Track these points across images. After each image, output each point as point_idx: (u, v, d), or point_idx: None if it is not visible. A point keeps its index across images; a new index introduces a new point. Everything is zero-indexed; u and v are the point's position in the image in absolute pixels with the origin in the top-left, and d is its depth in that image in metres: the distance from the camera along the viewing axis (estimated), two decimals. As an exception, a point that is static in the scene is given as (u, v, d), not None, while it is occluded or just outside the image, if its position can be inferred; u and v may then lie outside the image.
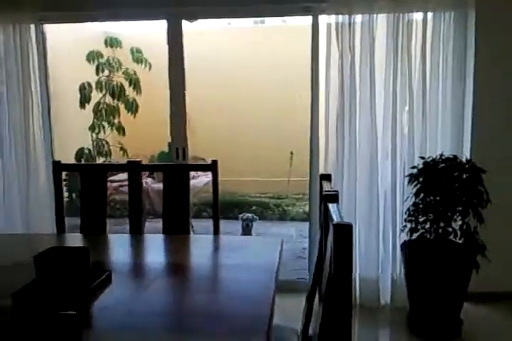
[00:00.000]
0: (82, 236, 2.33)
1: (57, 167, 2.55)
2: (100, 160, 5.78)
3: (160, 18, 3.47)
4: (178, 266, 1.88)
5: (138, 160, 2.54)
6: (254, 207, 5.97)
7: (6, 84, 3.47)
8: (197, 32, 5.83)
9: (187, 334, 1.33)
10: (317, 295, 1.90)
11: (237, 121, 6.48)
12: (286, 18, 5.89)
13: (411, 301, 3.05)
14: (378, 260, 3.28)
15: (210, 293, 1.66)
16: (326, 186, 1.85)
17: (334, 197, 1.58)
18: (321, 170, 3.40)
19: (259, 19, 6.16)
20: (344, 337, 1.30)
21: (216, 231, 2.40)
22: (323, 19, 3.27)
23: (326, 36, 3.22)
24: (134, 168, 2.51)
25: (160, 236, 2.37)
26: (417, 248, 2.96)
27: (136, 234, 2.38)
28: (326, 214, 1.63)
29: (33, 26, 3.46)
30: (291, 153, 6.56)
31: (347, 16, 3.16)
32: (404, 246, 3.04)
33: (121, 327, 1.35)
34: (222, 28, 6.18)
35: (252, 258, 1.92)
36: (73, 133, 5.65)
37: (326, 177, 2.00)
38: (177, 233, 2.38)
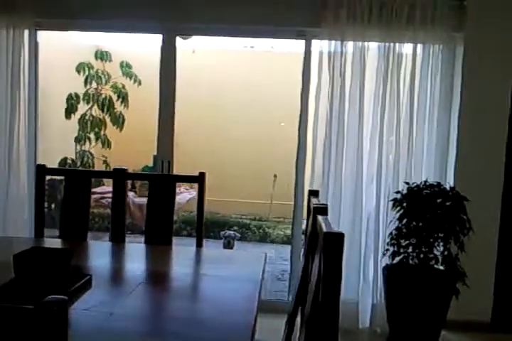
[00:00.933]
0: (63, 241, 2.28)
1: (42, 170, 2.50)
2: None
3: (155, 33, 3.50)
4: (160, 274, 1.84)
5: (124, 168, 2.51)
6: (234, 228, 5.93)
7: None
8: (189, 50, 5.91)
9: (167, 339, 1.29)
10: (298, 317, 1.87)
11: (222, 142, 6.50)
12: (274, 45, 5.99)
13: (390, 325, 3.03)
14: (359, 283, 3.26)
15: (193, 301, 1.63)
16: (315, 200, 1.85)
17: (324, 210, 1.58)
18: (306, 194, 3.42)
19: (248, 44, 6.25)
20: None
21: (199, 244, 2.36)
22: (316, 44, 3.33)
23: (318, 63, 3.28)
24: (120, 176, 2.48)
25: (142, 246, 2.33)
26: (399, 272, 2.96)
27: (118, 242, 2.33)
28: (314, 227, 1.62)
29: (27, 32, 3.46)
30: (275, 175, 6.57)
31: (339, 42, 3.23)
32: (386, 270, 3.04)
33: (100, 330, 1.30)
34: (214, 49, 6.25)
35: (236, 269, 1.90)
36: (57, 142, 5.60)
37: (314, 193, 2.00)
38: (159, 244, 2.34)
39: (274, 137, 6.22)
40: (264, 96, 6.27)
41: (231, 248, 4.84)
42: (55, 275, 1.53)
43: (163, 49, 3.49)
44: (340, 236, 1.20)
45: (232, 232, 4.95)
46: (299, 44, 3.46)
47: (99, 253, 2.12)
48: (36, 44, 3.56)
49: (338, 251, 1.20)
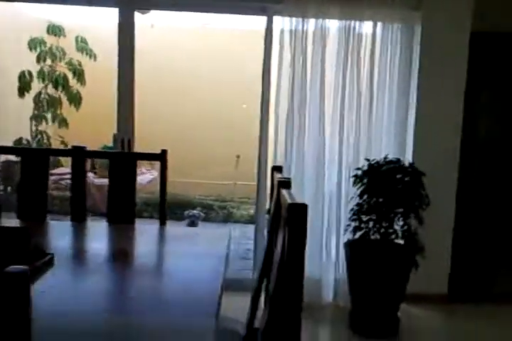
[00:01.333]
0: (21, 221, 2.21)
1: (-4, 149, 2.41)
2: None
3: (112, 6, 3.38)
4: (123, 252, 1.82)
5: (83, 146, 2.45)
6: (198, 209, 5.91)
7: None
8: (148, 25, 5.75)
9: (132, 316, 1.28)
10: (263, 294, 1.89)
11: (182, 122, 6.41)
12: (233, 23, 5.90)
13: (353, 300, 3.10)
14: (321, 259, 3.32)
15: (157, 278, 1.61)
16: (278, 175, 1.85)
17: (287, 184, 1.58)
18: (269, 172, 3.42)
19: (207, 21, 6.13)
20: (294, 324, 1.29)
21: (163, 222, 2.34)
22: (277, 22, 3.30)
23: (279, 40, 3.26)
24: (79, 154, 2.42)
25: (104, 224, 2.29)
26: (360, 248, 3.03)
27: (79, 221, 2.29)
28: (278, 201, 1.62)
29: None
30: (238, 156, 6.56)
31: (300, 20, 3.21)
32: (348, 245, 3.10)
33: (64, 309, 1.28)
34: (173, 25, 6.11)
35: (200, 245, 1.89)
36: (11, 122, 5.40)
37: (278, 169, 2.00)
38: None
39: (235, 117, 6.19)
40: (224, 75, 6.20)
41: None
42: (14, 254, 1.48)
43: (120, 24, 3.38)
44: (303, 207, 1.20)
45: (196, 212, 4.94)
46: (258, 22, 3.43)
47: (59, 233, 2.07)
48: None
49: (302, 221, 1.20)
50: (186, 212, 4.94)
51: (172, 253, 1.86)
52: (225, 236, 2.01)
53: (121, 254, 1.80)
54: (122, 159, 2.44)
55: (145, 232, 2.17)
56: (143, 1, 3.42)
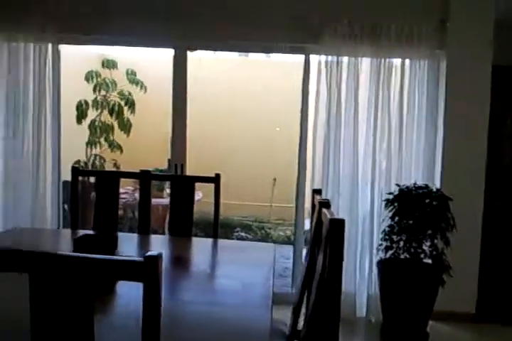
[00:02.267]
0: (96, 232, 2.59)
1: (76, 172, 2.83)
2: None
3: (169, 47, 3.83)
4: (184, 258, 2.16)
5: (149, 169, 2.84)
6: (237, 229, 6.23)
7: (22, 97, 3.74)
8: (196, 58, 6.23)
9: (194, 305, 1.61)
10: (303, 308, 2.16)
11: (225, 146, 6.81)
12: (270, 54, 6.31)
13: (384, 315, 3.35)
14: (356, 276, 3.58)
15: (215, 280, 1.94)
16: (318, 197, 2.18)
17: (327, 204, 1.90)
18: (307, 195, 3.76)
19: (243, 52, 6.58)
20: (332, 331, 1.55)
21: (215, 236, 2.69)
22: (314, 58, 3.68)
23: (317, 73, 3.63)
24: (146, 177, 2.81)
25: (166, 237, 2.65)
26: (391, 266, 3.29)
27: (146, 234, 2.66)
28: (319, 219, 1.94)
29: (50, 45, 3.77)
30: (274, 179, 6.87)
31: (335, 57, 3.57)
32: (380, 263, 3.36)
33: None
34: (210, 57, 6.54)
35: (251, 255, 2.22)
36: (70, 146, 5.90)
37: (318, 192, 2.33)
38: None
39: (272, 143, 6.56)
40: (261, 102, 6.59)
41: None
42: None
43: (175, 61, 3.82)
44: (342, 222, 1.52)
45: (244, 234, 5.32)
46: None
47: (129, 242, 2.44)
48: (59, 56, 3.87)
49: (341, 234, 1.51)
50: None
51: (227, 261, 2.20)
52: (271, 248, 2.34)
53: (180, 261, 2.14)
54: (182, 181, 2.82)
55: (201, 243, 2.52)
56: (194, 43, 3.84)
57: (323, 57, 3.60)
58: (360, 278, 3.61)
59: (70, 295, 1.08)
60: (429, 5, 3.55)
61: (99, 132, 6.33)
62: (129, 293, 1.63)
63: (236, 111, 6.68)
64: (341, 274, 1.53)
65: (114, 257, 1.08)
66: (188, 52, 3.86)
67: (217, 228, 2.73)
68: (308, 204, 3.89)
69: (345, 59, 3.58)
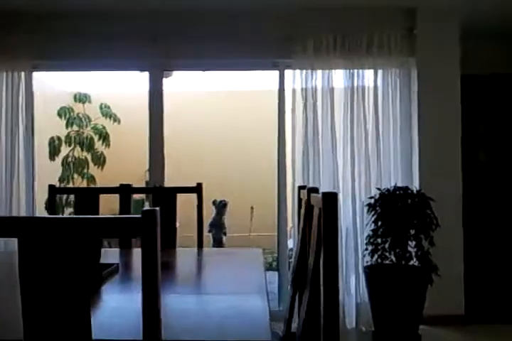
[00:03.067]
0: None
1: (53, 190, 2.77)
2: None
3: (144, 69, 3.88)
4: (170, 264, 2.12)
5: (129, 183, 2.81)
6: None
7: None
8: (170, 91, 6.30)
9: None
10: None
11: (203, 177, 6.77)
12: (246, 84, 6.44)
13: (375, 323, 3.29)
14: (342, 285, 3.54)
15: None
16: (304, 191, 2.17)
17: (316, 189, 1.91)
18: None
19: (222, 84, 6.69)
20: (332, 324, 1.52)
21: (200, 245, 2.64)
22: (289, 72, 3.77)
23: (292, 94, 3.71)
24: (125, 191, 2.77)
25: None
26: (378, 271, 3.27)
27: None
28: (309, 203, 1.93)
29: (23, 73, 3.75)
30: (252, 207, 6.84)
31: (310, 72, 3.66)
32: (368, 269, 3.34)
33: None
34: (184, 90, 6.65)
35: (239, 260, 2.18)
36: (42, 183, 5.80)
37: (303, 187, 2.33)
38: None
39: (249, 170, 6.59)
40: (241, 132, 6.67)
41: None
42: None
43: (151, 83, 3.85)
44: (335, 194, 1.52)
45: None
46: (266, 82, 3.86)
47: (111, 254, 2.38)
48: (31, 84, 3.83)
49: (334, 206, 1.51)
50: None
51: (217, 262, 2.16)
52: (259, 254, 2.30)
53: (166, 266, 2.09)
54: (163, 193, 2.79)
55: (186, 253, 2.47)
56: (168, 63, 3.88)
57: (297, 72, 3.68)
58: (346, 287, 3.57)
59: (70, 260, 1.04)
60: (397, 14, 3.68)
61: (72, 168, 6.27)
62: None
63: (215, 141, 6.72)
64: (337, 249, 1.53)
65: (113, 216, 1.06)
66: (165, 79, 3.90)
67: (202, 237, 2.69)
68: (289, 227, 3.94)
69: (318, 72, 3.67)
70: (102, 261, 1.91)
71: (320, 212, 1.63)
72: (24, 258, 1.04)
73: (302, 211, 2.20)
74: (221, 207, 6.13)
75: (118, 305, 1.56)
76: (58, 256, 1.04)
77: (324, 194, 1.55)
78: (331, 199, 1.52)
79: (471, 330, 3.53)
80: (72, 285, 1.06)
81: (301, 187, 2.34)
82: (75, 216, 1.09)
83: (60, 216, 1.03)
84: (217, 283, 1.78)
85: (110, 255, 2.39)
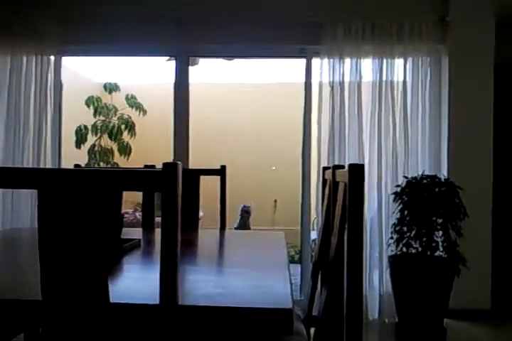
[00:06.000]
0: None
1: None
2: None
3: (171, 54, 3.88)
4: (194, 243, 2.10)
5: (153, 165, 2.80)
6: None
7: (23, 113, 3.71)
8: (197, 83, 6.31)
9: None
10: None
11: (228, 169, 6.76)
12: (272, 76, 6.40)
13: (399, 312, 3.22)
14: (365, 276, 3.48)
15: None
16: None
17: (342, 166, 1.86)
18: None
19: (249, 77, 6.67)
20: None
21: (223, 227, 2.62)
22: (316, 64, 3.70)
23: (319, 74, 3.64)
24: (150, 171, 2.76)
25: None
26: (403, 261, 3.19)
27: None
28: (334, 179, 1.88)
29: (52, 58, 3.79)
30: (275, 201, 6.80)
31: (338, 60, 3.60)
32: (392, 258, 3.27)
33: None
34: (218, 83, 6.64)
35: (262, 242, 2.15)
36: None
37: (327, 168, 2.29)
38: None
39: (273, 163, 6.56)
40: (266, 124, 6.64)
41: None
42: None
43: (176, 72, 3.84)
44: (361, 166, 1.48)
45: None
46: (292, 74, 3.77)
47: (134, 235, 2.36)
48: (60, 69, 3.86)
49: (360, 177, 1.47)
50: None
51: (239, 243, 2.13)
52: (281, 236, 2.27)
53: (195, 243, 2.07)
54: (186, 175, 2.77)
55: (211, 233, 2.46)
56: (195, 50, 3.89)
57: (325, 61, 3.62)
58: (370, 278, 3.50)
59: (91, 213, 1.03)
60: (428, 1, 3.59)
61: (98, 157, 6.33)
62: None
63: (239, 133, 6.70)
64: (362, 223, 1.49)
65: (134, 169, 1.03)
66: (190, 68, 3.89)
67: (225, 218, 2.67)
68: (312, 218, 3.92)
69: (347, 60, 3.61)
70: (124, 236, 1.91)
71: (345, 187, 1.59)
72: (44, 210, 1.03)
73: (326, 191, 2.16)
74: (245, 212, 6.20)
75: (137, 274, 1.55)
76: (79, 209, 1.03)
77: (351, 165, 1.51)
78: (357, 171, 1.48)
79: (497, 326, 3.44)
80: (92, 240, 1.04)
81: (325, 168, 2.30)
82: (96, 167, 1.06)
83: (81, 168, 1.02)
84: (238, 259, 1.76)
85: (133, 233, 2.38)
